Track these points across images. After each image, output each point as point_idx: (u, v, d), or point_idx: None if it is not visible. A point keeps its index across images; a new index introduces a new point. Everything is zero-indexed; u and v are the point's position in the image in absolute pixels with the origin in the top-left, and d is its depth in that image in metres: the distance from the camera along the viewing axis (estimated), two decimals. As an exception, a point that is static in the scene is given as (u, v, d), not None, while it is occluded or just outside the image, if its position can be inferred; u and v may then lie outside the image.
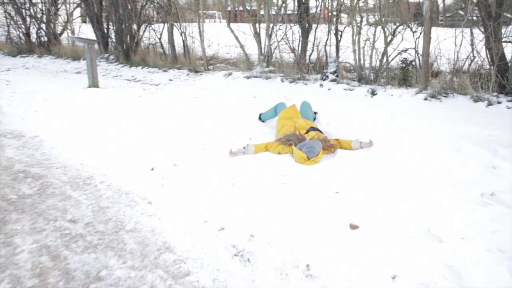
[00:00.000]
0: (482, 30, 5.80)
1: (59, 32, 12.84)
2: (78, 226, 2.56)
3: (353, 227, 2.29)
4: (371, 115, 4.83)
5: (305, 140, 3.51)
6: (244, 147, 3.63)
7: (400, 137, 3.95)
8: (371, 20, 7.17)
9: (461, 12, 10.20)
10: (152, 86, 7.37)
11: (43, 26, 12.75)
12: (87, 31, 12.01)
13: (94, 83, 6.93)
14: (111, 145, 3.98)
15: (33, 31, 13.02)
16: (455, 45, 6.06)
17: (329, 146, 3.56)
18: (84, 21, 14.35)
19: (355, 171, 3.20)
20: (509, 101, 5.06)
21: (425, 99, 5.45)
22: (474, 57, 6.05)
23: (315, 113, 4.64)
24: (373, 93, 5.86)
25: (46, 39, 12.70)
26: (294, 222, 2.40)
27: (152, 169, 3.33)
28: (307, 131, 3.72)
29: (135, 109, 5.31)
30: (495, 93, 5.34)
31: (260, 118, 4.67)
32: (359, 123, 4.45)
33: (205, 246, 2.26)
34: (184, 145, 3.89)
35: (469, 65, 6.10)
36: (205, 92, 6.43)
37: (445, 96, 5.49)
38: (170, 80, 7.88)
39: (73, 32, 12.56)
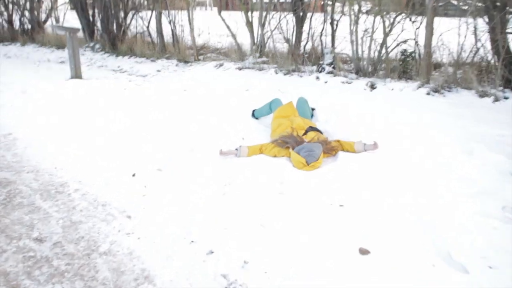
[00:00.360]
0: (487, 20, 5.47)
1: (43, 19, 12.25)
2: (44, 246, 2.20)
3: (363, 252, 1.96)
4: (371, 111, 4.50)
5: (303, 143, 3.16)
6: (236, 149, 3.28)
7: (404, 136, 3.63)
8: (366, 8, 6.80)
9: (454, 1, 9.85)
10: (139, 77, 6.95)
11: (27, 13, 12.16)
12: (72, 19, 11.47)
13: (76, 74, 6.50)
14: (90, 145, 3.59)
15: (16, 18, 12.40)
16: (459, 36, 5.72)
17: (330, 149, 3.22)
18: (72, 8, 13.70)
19: (359, 177, 2.86)
20: (517, 96, 4.76)
21: (428, 93, 5.12)
22: (478, 49, 5.72)
23: (313, 109, 4.29)
24: (372, 86, 5.52)
25: (29, 26, 12.11)
26: (295, 246, 2.06)
27: (134, 175, 2.97)
28: (306, 132, 3.37)
29: (119, 103, 4.91)
30: (501, 88, 5.03)
31: (253, 115, 4.31)
32: (359, 120, 4.12)
33: (191, 275, 1.92)
34: (170, 145, 3.52)
35: (473, 57, 5.78)
36: (195, 84, 6.04)
37: (449, 91, 5.17)
38: (158, 70, 7.46)
39: (57, 20, 11.98)
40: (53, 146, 3.58)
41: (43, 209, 2.59)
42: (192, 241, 2.17)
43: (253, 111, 4.32)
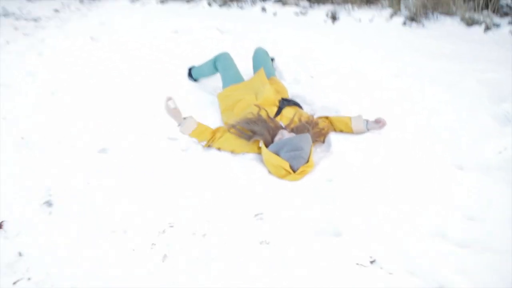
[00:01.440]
0: None
1: None
2: None
3: None
4: (343, 56, 3.32)
5: (279, 130, 1.97)
6: (184, 118, 2.07)
7: (404, 100, 2.57)
8: None
9: None
10: (30, 22, 5.11)
11: None
12: None
13: None
14: None
15: None
16: None
17: (318, 134, 2.06)
18: None
19: (379, 186, 1.78)
20: (510, 23, 3.79)
21: (404, 23, 4.02)
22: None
23: (272, 59, 3.03)
24: (334, 17, 4.29)
25: None
26: None
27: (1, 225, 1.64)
28: (279, 109, 2.15)
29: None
30: (485, 12, 4.03)
31: (190, 75, 2.95)
32: (335, 75, 2.95)
33: None
34: (69, 143, 2.17)
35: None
36: (105, 29, 4.43)
37: (426, 18, 4.09)
38: (56, 11, 5.62)
39: None
40: None
41: None
42: None
43: (190, 69, 2.96)
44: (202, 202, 1.71)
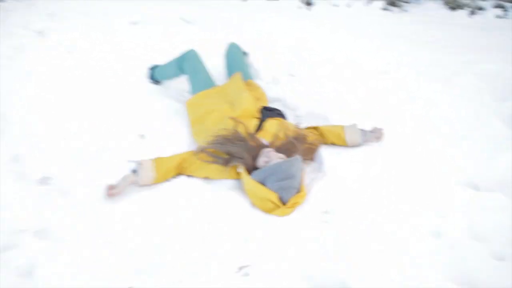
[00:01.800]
0: None
1: None
2: None
3: None
4: (323, 46, 2.98)
5: (263, 149, 1.59)
6: (134, 170, 1.63)
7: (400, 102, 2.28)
8: None
9: None
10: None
11: None
12: None
13: None
14: None
15: None
16: None
17: (307, 152, 1.71)
18: None
19: (375, 210, 1.46)
20: (495, 6, 3.53)
21: (384, 9, 3.70)
22: None
23: (244, 53, 2.63)
24: (308, 3, 3.92)
25: None
26: None
27: None
28: (261, 122, 1.77)
29: None
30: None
31: (152, 77, 2.51)
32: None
33: None
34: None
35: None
36: (56, 21, 3.86)
37: (406, 1, 3.79)
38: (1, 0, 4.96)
39: None
40: None
41: None
42: None
43: (151, 69, 2.52)
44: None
